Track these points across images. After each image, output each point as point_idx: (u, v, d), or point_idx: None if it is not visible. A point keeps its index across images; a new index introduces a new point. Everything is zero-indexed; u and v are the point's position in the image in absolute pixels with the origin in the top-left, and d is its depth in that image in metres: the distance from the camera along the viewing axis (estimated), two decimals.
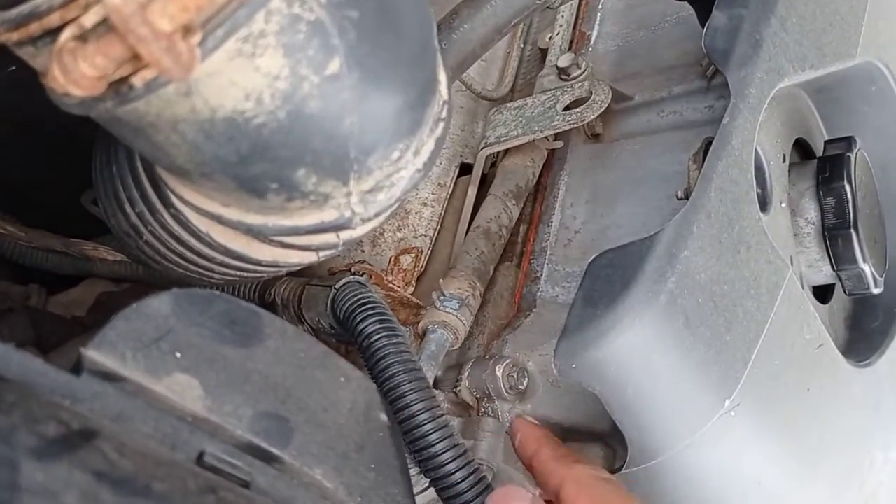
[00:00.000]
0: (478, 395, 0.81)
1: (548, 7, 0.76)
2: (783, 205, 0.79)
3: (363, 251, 0.97)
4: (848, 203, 0.79)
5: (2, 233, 0.91)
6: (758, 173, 0.78)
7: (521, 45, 1.12)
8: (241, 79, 0.39)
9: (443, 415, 0.66)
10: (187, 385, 0.46)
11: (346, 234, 0.54)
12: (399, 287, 0.84)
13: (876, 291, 0.83)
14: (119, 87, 0.38)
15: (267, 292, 0.83)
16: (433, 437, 0.63)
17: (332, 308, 0.74)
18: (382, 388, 0.66)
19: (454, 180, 1.03)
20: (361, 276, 0.78)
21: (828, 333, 0.78)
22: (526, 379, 0.80)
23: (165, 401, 0.45)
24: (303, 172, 0.45)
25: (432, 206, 1.01)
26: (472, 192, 0.96)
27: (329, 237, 0.54)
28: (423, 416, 0.64)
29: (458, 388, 0.81)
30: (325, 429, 0.52)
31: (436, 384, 0.86)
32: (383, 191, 0.50)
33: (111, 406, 0.41)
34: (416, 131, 0.50)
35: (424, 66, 0.48)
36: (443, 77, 0.54)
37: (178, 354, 0.46)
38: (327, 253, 0.58)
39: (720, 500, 0.72)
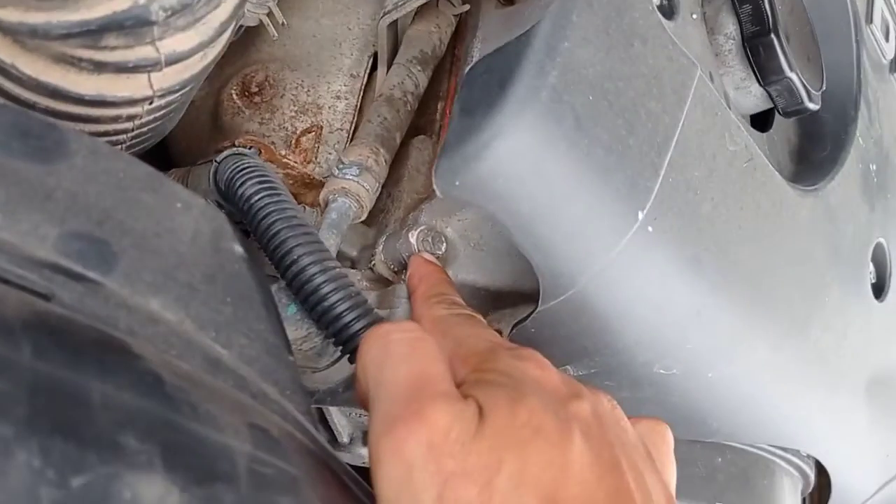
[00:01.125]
0: (395, 269, 0.75)
1: None
2: (694, 16, 0.73)
3: (282, 153, 0.92)
4: (765, 6, 0.72)
5: None
6: None
7: None
8: None
9: (335, 266, 0.61)
10: None
11: (164, 44, 0.49)
12: (297, 163, 0.79)
13: (812, 107, 0.76)
14: None
15: None
16: (318, 279, 0.58)
17: (214, 182, 0.68)
18: (268, 248, 0.61)
19: (367, 71, 0.97)
20: (249, 149, 0.72)
21: (760, 151, 0.72)
22: (444, 244, 0.74)
23: None
24: None
25: (346, 99, 0.94)
26: (381, 72, 0.90)
27: (144, 50, 0.48)
28: (310, 265, 0.59)
29: (374, 263, 0.76)
30: (161, 256, 0.47)
31: (352, 264, 0.80)
32: None
33: None
34: None
35: None
36: None
37: None
38: (160, 81, 0.52)
39: (653, 333, 0.66)
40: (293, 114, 0.93)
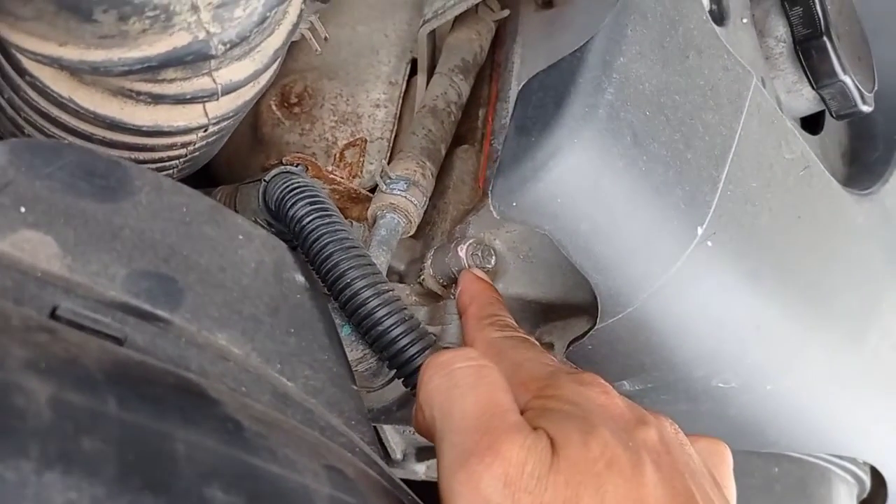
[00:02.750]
0: (444, 283, 0.75)
1: None
2: (744, 21, 0.72)
3: (328, 169, 0.91)
4: (816, 8, 0.70)
5: None
6: None
7: None
8: None
9: (389, 290, 0.60)
10: (39, 243, 0.40)
11: (221, 74, 0.48)
12: (343, 178, 0.78)
13: (866, 109, 0.74)
14: None
15: None
16: (372, 303, 0.57)
17: (264, 202, 0.68)
18: (321, 270, 0.60)
19: (406, 77, 0.96)
20: (296, 166, 0.72)
21: (815, 156, 0.70)
22: (493, 257, 0.73)
23: (11, 259, 0.39)
24: None
25: (385, 107, 0.94)
26: (421, 80, 0.89)
27: (201, 81, 0.48)
28: (363, 289, 0.58)
29: (423, 278, 0.75)
30: (226, 290, 0.47)
31: (400, 278, 0.80)
32: (239, 4, 0.44)
33: None
34: None
35: None
36: None
37: (24, 209, 0.40)
38: (215, 109, 0.52)
39: (712, 348, 0.65)
40: (333, 124, 0.92)
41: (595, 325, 0.62)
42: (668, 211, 0.58)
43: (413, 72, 0.97)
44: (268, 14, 0.45)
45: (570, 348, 0.65)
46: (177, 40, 0.43)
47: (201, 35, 0.43)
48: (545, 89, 0.57)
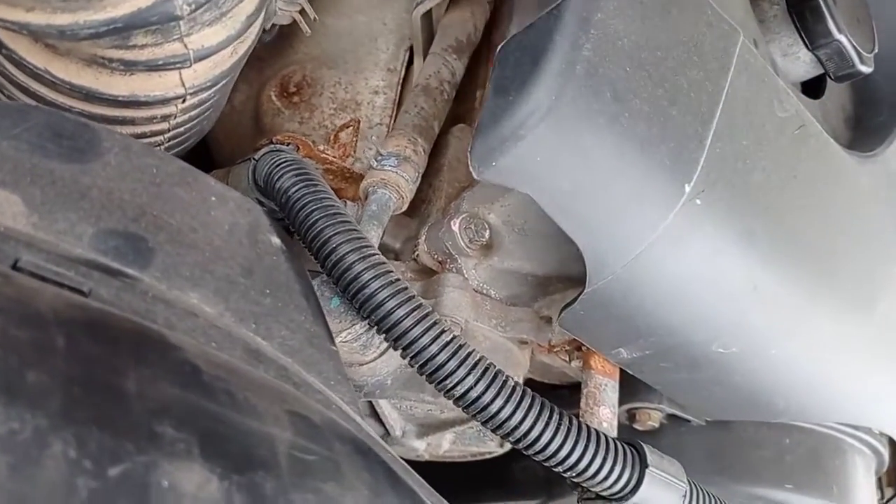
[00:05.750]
0: (439, 258, 0.75)
1: None
2: None
3: (320, 149, 0.91)
4: None
5: None
6: None
7: None
8: None
9: (375, 254, 0.60)
10: (4, 201, 0.41)
11: (192, 40, 0.48)
12: (335, 158, 0.78)
13: (864, 69, 0.73)
14: None
15: None
16: (358, 267, 0.57)
17: (253, 179, 0.68)
18: (307, 238, 0.60)
19: (405, 65, 0.96)
20: (287, 145, 0.72)
21: (813, 117, 0.69)
22: (487, 231, 0.73)
23: None
24: None
25: (384, 94, 0.94)
26: (418, 63, 0.90)
27: (172, 46, 0.48)
28: (349, 253, 0.58)
29: (417, 254, 0.75)
30: (198, 250, 0.47)
31: (395, 256, 0.79)
32: None
33: None
34: None
35: None
36: None
37: None
38: (191, 77, 0.52)
39: (708, 310, 0.64)
40: (332, 111, 0.92)
41: (585, 289, 0.61)
42: (652, 168, 0.57)
43: (412, 59, 0.97)
44: None
45: (563, 314, 0.64)
46: (141, 1, 0.44)
47: None
48: (522, 49, 0.56)
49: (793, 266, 0.66)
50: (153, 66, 0.49)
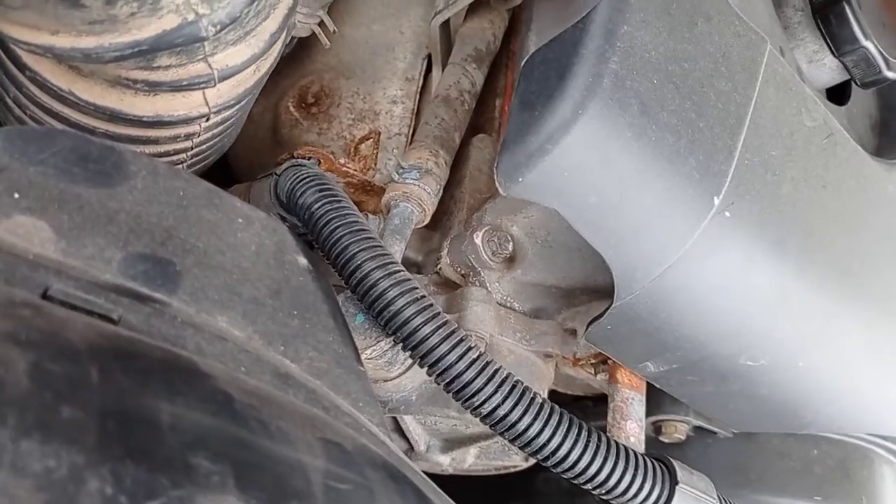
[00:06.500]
0: (462, 271, 0.74)
1: None
2: None
3: (341, 162, 0.91)
4: None
5: None
6: None
7: None
8: None
9: (399, 270, 0.59)
10: (32, 227, 0.41)
11: (216, 60, 0.48)
12: (356, 171, 0.78)
13: (891, 75, 0.72)
14: None
15: None
16: (383, 283, 0.57)
17: (275, 195, 0.68)
18: (331, 255, 0.60)
19: (423, 73, 0.96)
20: (308, 159, 0.72)
21: (840, 125, 0.68)
22: (510, 243, 0.72)
23: (4, 243, 0.39)
24: None
25: (402, 103, 0.94)
26: (436, 73, 0.89)
27: (196, 66, 0.48)
28: (374, 270, 0.58)
29: (440, 267, 0.74)
30: (225, 273, 0.46)
31: (417, 269, 0.79)
32: None
33: None
34: None
35: None
36: None
37: (17, 195, 0.41)
38: (214, 97, 0.52)
39: (736, 323, 0.63)
40: (350, 122, 0.92)
41: (612, 303, 0.60)
42: (681, 181, 0.56)
43: (430, 67, 0.96)
44: None
45: (589, 329, 0.63)
46: (166, 23, 0.43)
47: (190, 17, 0.43)
48: (548, 62, 0.56)
49: (822, 276, 0.65)
50: (177, 87, 0.49)
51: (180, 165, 0.61)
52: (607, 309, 0.61)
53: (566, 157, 0.54)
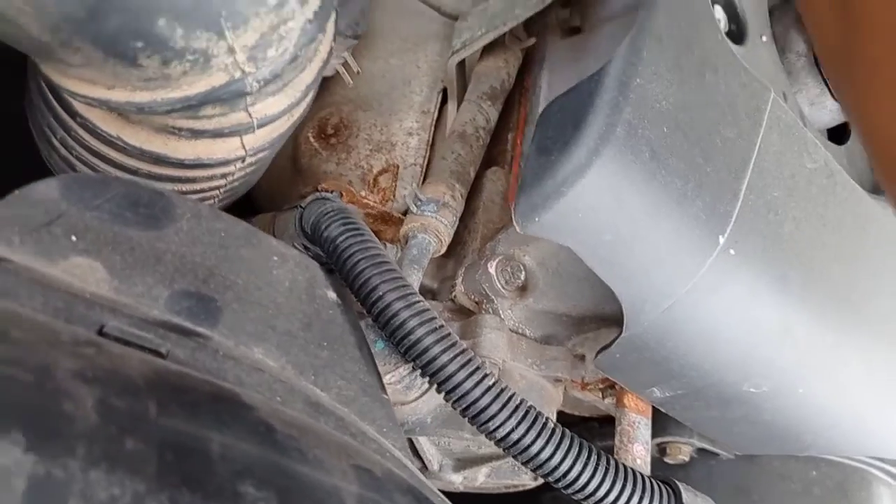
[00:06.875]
0: (476, 299, 0.77)
1: None
2: (764, 38, 0.73)
3: (361, 194, 0.95)
4: None
5: None
6: (728, 6, 0.72)
7: None
8: None
9: (419, 300, 0.63)
10: (88, 268, 0.44)
11: (256, 109, 0.52)
12: (376, 203, 0.81)
13: None
14: None
15: None
16: (403, 314, 0.60)
17: (300, 226, 0.71)
18: (354, 286, 0.63)
19: (438, 106, 0.99)
20: (331, 193, 0.75)
21: (840, 165, 0.71)
22: (522, 272, 0.76)
23: (62, 283, 0.43)
24: (163, 23, 0.43)
25: (418, 135, 0.97)
26: (452, 108, 0.93)
27: (238, 115, 0.52)
28: (395, 301, 0.61)
29: (454, 295, 0.78)
30: (261, 307, 0.50)
31: (432, 296, 0.82)
32: (272, 45, 0.47)
33: None
34: None
35: None
36: None
37: (75, 238, 0.44)
38: (252, 141, 0.56)
39: (741, 353, 0.66)
40: (368, 152, 0.96)
41: (621, 333, 0.64)
42: (688, 221, 0.59)
43: (444, 100, 1.00)
44: (299, 53, 0.48)
45: (598, 357, 0.67)
46: (215, 80, 0.47)
47: (237, 74, 0.47)
48: (564, 111, 0.59)
49: (823, 308, 0.68)
50: (218, 134, 0.52)
51: (213, 199, 0.64)
52: (616, 338, 0.65)
53: (581, 199, 0.57)
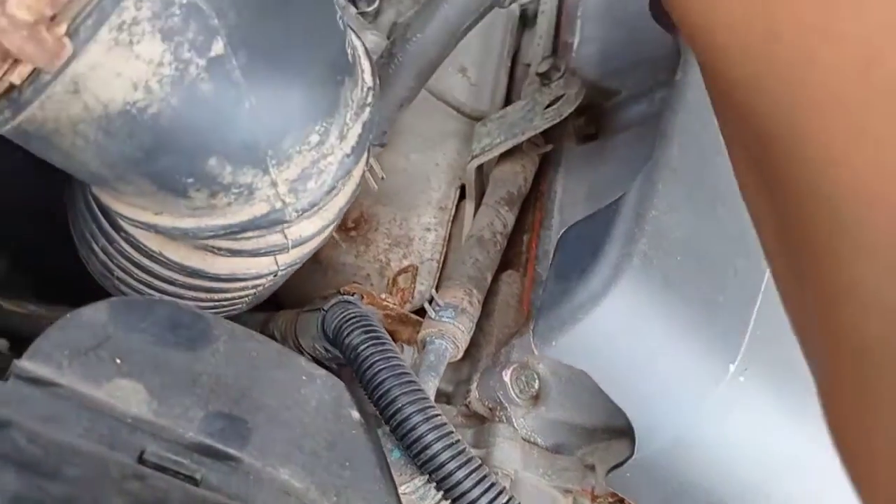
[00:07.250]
0: (490, 405, 0.79)
1: (498, 6, 0.76)
2: None
3: (372, 284, 0.97)
4: None
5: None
6: None
7: (509, 63, 1.13)
8: (123, 68, 0.40)
9: (437, 414, 0.64)
10: (131, 390, 0.46)
11: (292, 231, 0.54)
12: (395, 305, 0.83)
13: None
14: (8, 94, 0.40)
15: (266, 327, 0.83)
16: (426, 434, 0.62)
17: (322, 329, 0.73)
18: (373, 395, 0.65)
19: (455, 203, 1.03)
20: (352, 296, 0.78)
21: None
22: (536, 381, 0.78)
23: (106, 406, 0.45)
24: (214, 162, 0.46)
25: (436, 230, 1.00)
26: (469, 209, 0.96)
27: (274, 237, 0.54)
28: (413, 414, 0.63)
29: (469, 401, 0.79)
30: (289, 427, 0.51)
31: (447, 399, 0.84)
32: (312, 178, 0.50)
33: (40, 408, 0.41)
34: (333, 113, 0.50)
35: (324, 44, 0.48)
36: (366, 64, 0.55)
37: (119, 361, 0.46)
38: (285, 259, 0.58)
39: (758, 482, 0.67)
40: (387, 246, 0.99)
41: (632, 455, 0.65)
42: (699, 350, 0.62)
43: (461, 196, 1.03)
44: (336, 184, 0.51)
45: (610, 475, 0.68)
46: (257, 210, 0.50)
47: (278, 205, 0.50)
48: (583, 239, 0.62)
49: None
50: (255, 254, 0.55)
51: (242, 304, 0.66)
52: (627, 458, 0.66)
53: (596, 325, 0.59)
